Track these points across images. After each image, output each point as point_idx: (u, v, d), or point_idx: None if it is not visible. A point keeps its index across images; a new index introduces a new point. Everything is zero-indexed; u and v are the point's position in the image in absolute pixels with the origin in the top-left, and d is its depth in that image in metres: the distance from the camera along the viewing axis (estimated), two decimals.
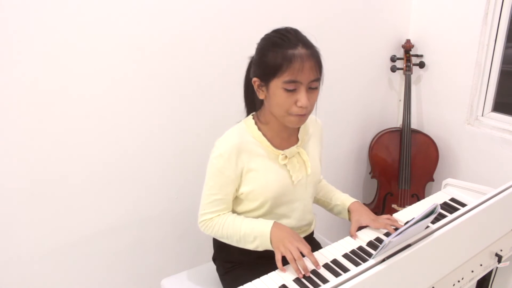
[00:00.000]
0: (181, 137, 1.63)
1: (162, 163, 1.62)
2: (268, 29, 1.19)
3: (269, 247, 1.15)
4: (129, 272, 1.69)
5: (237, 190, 1.21)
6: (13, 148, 1.31)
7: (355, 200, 1.36)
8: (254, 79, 1.15)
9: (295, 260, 1.07)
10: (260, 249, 1.17)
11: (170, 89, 1.55)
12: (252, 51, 1.21)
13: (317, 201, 1.44)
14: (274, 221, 1.18)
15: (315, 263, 1.07)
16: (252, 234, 1.16)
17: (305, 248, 1.10)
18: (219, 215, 1.21)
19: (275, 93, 1.10)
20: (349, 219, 1.33)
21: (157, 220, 1.69)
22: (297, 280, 1.05)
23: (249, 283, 1.04)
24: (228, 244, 1.24)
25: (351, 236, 1.23)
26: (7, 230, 1.38)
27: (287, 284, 1.04)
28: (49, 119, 1.35)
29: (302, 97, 1.08)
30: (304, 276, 1.06)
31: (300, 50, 1.07)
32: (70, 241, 1.51)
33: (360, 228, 1.27)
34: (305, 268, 1.06)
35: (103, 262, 1.61)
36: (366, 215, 1.28)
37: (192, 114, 1.63)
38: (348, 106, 2.14)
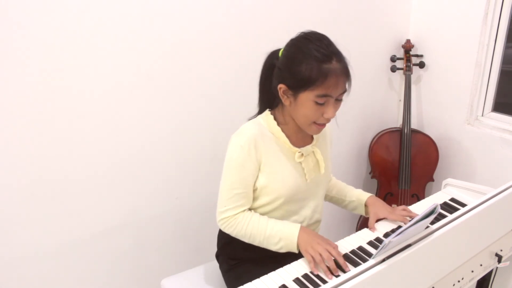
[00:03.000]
0: (182, 137, 1.63)
1: (163, 163, 1.62)
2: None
3: (294, 250, 1.16)
4: (129, 272, 1.69)
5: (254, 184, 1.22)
6: (14, 148, 1.31)
7: (371, 194, 1.37)
8: (281, 85, 1.13)
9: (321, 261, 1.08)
10: (283, 250, 1.18)
11: (172, 90, 1.55)
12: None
13: (330, 199, 1.44)
14: (301, 225, 1.18)
15: (344, 265, 1.08)
16: (277, 236, 1.17)
17: (334, 250, 1.10)
18: (243, 211, 1.20)
19: (304, 104, 1.11)
20: (366, 214, 1.35)
21: (157, 220, 1.69)
22: (297, 280, 1.05)
23: (249, 283, 1.04)
24: (234, 241, 1.23)
25: (370, 228, 1.25)
26: (8, 230, 1.38)
27: (287, 284, 1.04)
28: (51, 119, 1.35)
29: (330, 110, 1.11)
30: (304, 276, 1.06)
31: (334, 65, 1.07)
32: (71, 241, 1.51)
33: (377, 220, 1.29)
34: (335, 269, 1.06)
35: (103, 262, 1.61)
36: (383, 208, 1.30)
37: (193, 114, 1.63)
38: (348, 106, 2.13)
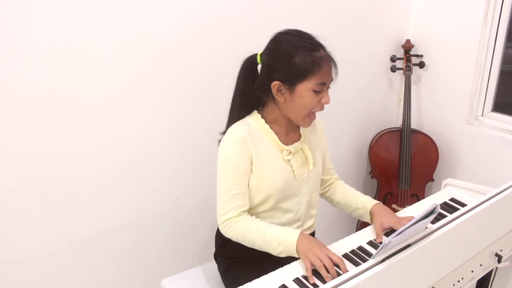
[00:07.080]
0: (182, 137, 1.63)
1: (163, 163, 1.62)
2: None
3: (294, 254, 1.15)
4: (129, 272, 1.69)
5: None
6: (15, 149, 1.31)
7: (377, 202, 1.33)
8: (275, 83, 1.15)
9: (320, 267, 1.07)
10: (284, 255, 1.17)
11: (171, 90, 1.55)
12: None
13: (336, 203, 1.43)
14: (300, 231, 1.17)
15: (345, 271, 1.06)
16: (277, 240, 1.16)
17: (334, 255, 1.09)
18: (243, 211, 1.20)
19: (303, 95, 1.14)
20: (371, 222, 1.31)
21: (157, 220, 1.69)
22: (297, 280, 1.05)
23: (249, 283, 1.04)
24: (231, 240, 1.23)
25: (376, 238, 1.22)
26: (9, 231, 1.38)
27: (287, 284, 1.04)
28: (52, 120, 1.35)
29: (326, 95, 1.16)
30: (304, 276, 1.06)
31: (323, 53, 1.14)
32: (71, 241, 1.51)
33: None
34: (335, 276, 1.05)
35: (103, 262, 1.61)
36: (388, 217, 1.25)
37: (193, 114, 1.63)
38: (348, 106, 2.13)
